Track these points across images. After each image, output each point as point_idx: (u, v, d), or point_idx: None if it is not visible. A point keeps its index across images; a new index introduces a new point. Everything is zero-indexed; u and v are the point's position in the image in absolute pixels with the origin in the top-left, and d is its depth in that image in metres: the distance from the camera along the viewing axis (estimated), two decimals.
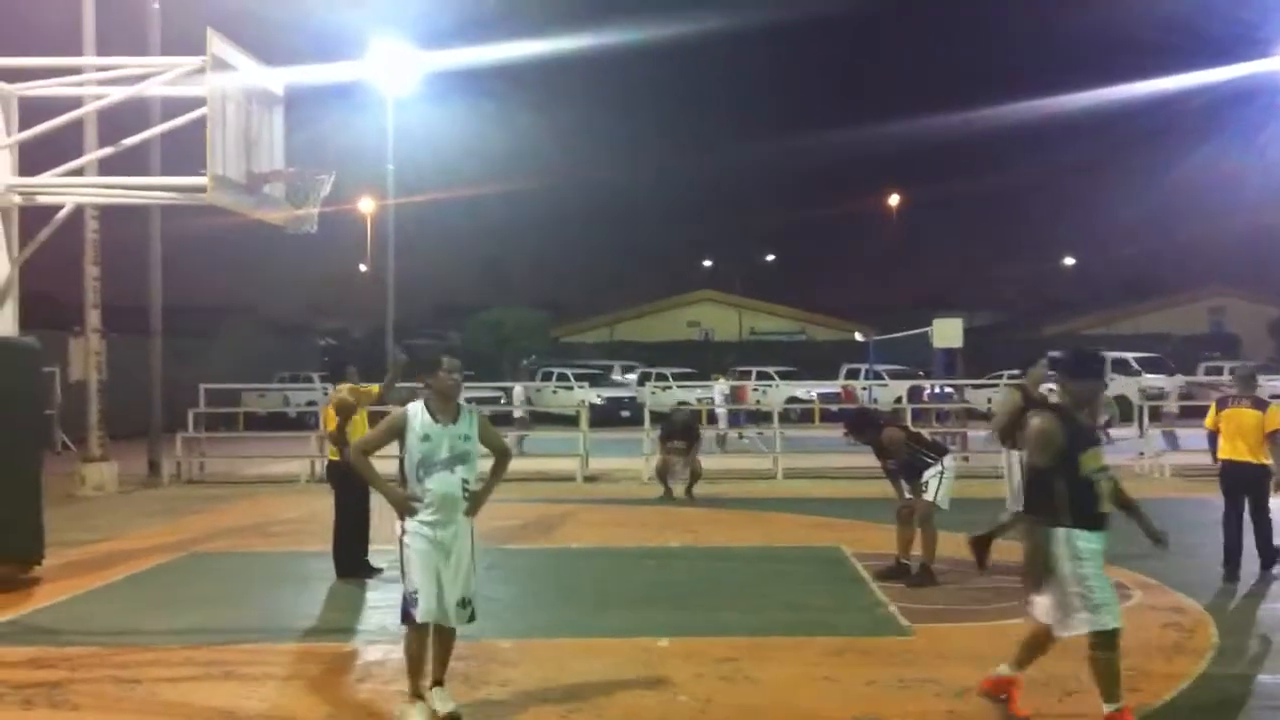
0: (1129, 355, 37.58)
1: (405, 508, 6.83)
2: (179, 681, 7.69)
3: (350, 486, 10.58)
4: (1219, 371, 33.91)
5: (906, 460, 10.82)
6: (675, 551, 12.93)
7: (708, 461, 19.03)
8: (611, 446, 22.61)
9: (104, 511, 16.73)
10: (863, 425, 11.38)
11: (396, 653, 8.37)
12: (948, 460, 10.88)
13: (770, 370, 40.18)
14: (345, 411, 10.99)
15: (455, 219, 65.69)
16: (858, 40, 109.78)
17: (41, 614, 9.86)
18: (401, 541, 6.88)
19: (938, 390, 26.37)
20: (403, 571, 6.88)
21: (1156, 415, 23.64)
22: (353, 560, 11.21)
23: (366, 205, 49.78)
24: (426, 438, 6.81)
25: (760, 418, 30.01)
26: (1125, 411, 26.73)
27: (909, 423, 16.72)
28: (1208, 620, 9.27)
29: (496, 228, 75.65)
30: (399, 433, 6.88)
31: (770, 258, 78.55)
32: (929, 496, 10.67)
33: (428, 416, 6.84)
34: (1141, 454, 21.08)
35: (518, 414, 26.66)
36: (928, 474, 10.69)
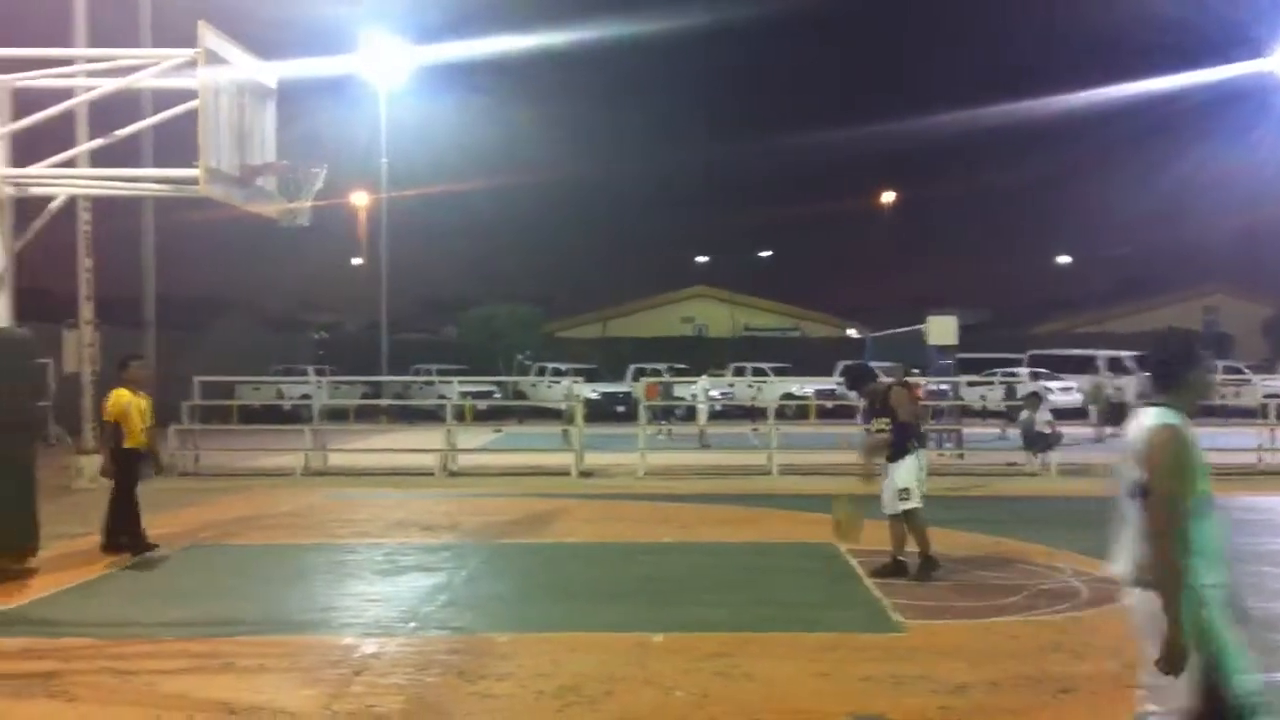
0: (1124, 354, 37.64)
1: None
2: (176, 673, 7.69)
3: None
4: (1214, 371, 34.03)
5: (901, 426, 10.69)
6: (669, 547, 12.93)
7: (696, 459, 19.03)
8: (607, 441, 22.63)
9: (98, 504, 16.65)
10: (862, 375, 11.38)
11: (392, 645, 8.39)
12: (921, 453, 10.94)
13: (765, 366, 40.19)
14: None
15: (447, 213, 65.58)
16: (853, 37, 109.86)
17: (37, 605, 9.84)
18: None
19: (933, 387, 26.37)
20: None
21: None
22: None
23: (360, 199, 49.76)
24: None
25: (756, 414, 30.03)
26: (1120, 412, 26.76)
27: None
28: None
29: (489, 222, 75.59)
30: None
31: (765, 254, 78.49)
32: (914, 501, 10.64)
33: None
34: None
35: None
36: (903, 473, 10.61)
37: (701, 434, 26.78)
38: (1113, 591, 9.95)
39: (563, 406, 25.96)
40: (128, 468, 12.11)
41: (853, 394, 11.55)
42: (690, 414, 29.43)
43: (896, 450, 10.73)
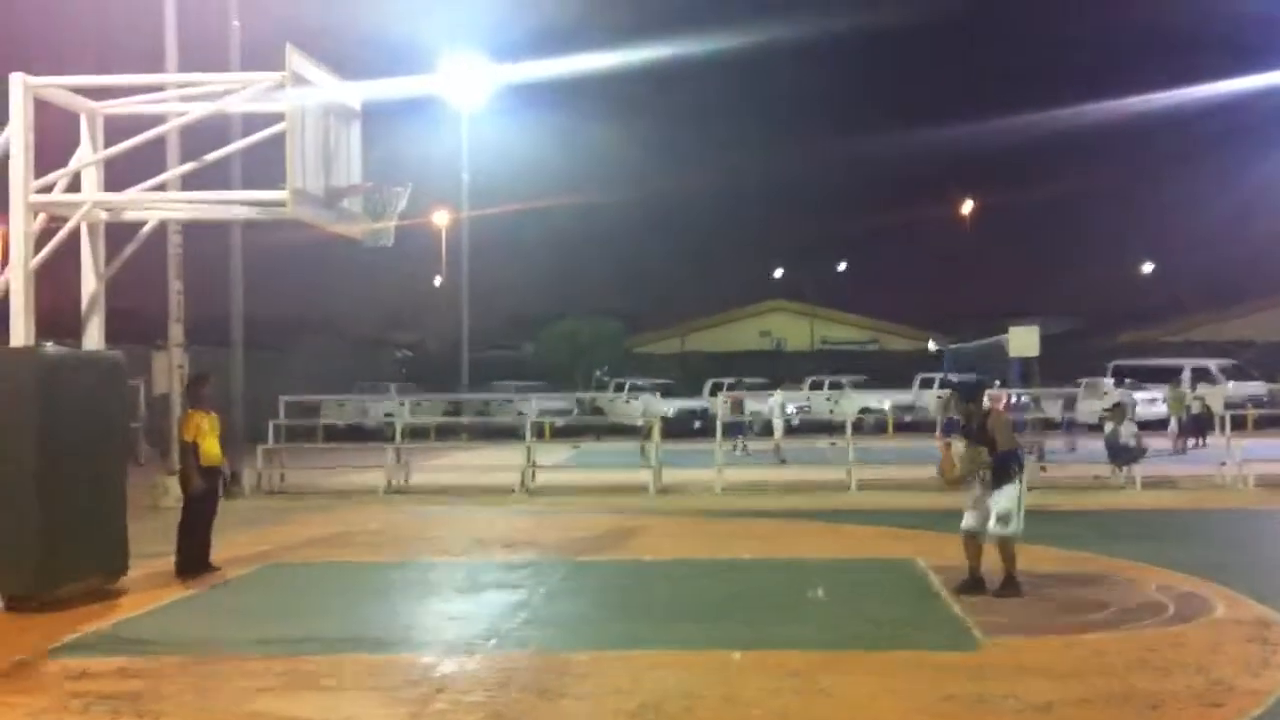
0: (1210, 362, 36.86)
1: None
2: (260, 692, 7.81)
3: None
4: None
5: (1002, 455, 10.37)
6: (749, 564, 12.90)
7: (774, 474, 18.92)
8: (684, 458, 22.63)
9: None
10: (975, 392, 11.00)
11: (472, 664, 8.46)
12: (1024, 477, 10.65)
13: (842, 380, 39.95)
14: None
15: (528, 230, 65.93)
16: (927, 47, 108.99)
17: (126, 625, 10.06)
18: None
19: (1015, 399, 26.04)
20: None
21: (1240, 424, 23.15)
22: None
23: (441, 218, 50.29)
24: None
25: (834, 428, 29.85)
26: (1210, 421, 26.24)
27: None
28: None
29: (569, 238, 75.81)
30: None
31: (842, 267, 77.97)
32: (1014, 530, 10.35)
33: None
34: (1223, 464, 20.62)
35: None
36: (1006, 499, 10.37)
37: (777, 449, 26.65)
38: (1199, 606, 9.80)
39: (639, 423, 26.00)
40: (206, 485, 12.33)
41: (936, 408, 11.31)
42: (766, 429, 29.28)
43: (999, 477, 10.40)
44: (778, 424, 27.80)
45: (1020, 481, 10.49)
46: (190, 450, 12.30)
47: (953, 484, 11.05)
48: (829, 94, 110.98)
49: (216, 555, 12.57)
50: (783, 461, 25.40)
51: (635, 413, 30.50)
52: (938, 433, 24.82)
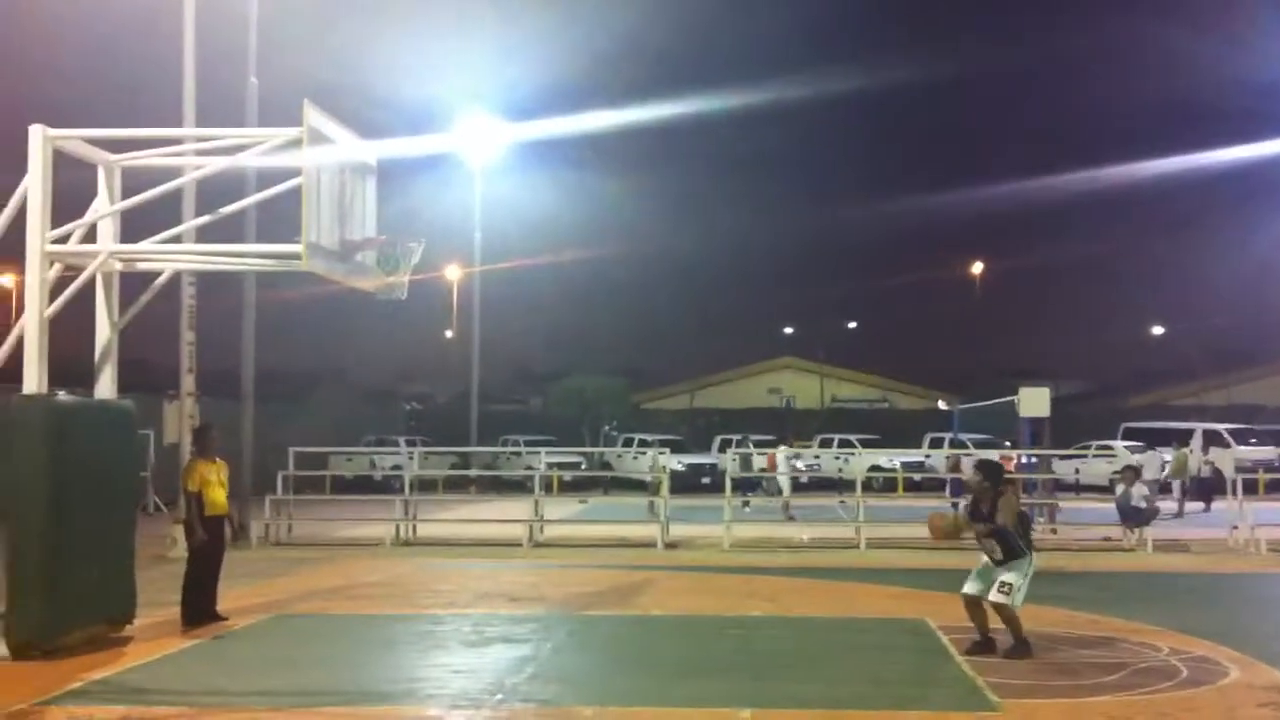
0: (1221, 427, 36.75)
1: None
2: None
3: None
4: None
5: (1001, 530, 10.35)
6: (757, 621, 12.82)
7: (783, 531, 18.82)
8: (692, 514, 22.56)
9: None
10: (997, 472, 11.00)
11: (478, 718, 8.40)
12: (1033, 556, 10.62)
13: (852, 438, 39.84)
14: None
15: (539, 285, 66.26)
16: (940, 106, 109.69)
17: (132, 673, 10.02)
18: None
19: (1025, 460, 25.95)
20: None
21: (1252, 488, 23.04)
22: None
23: (453, 272, 50.55)
24: None
25: (844, 486, 29.71)
26: (1219, 485, 26.10)
27: None
28: None
29: (578, 294, 76.13)
30: None
31: (852, 325, 78.06)
32: (1013, 601, 10.30)
33: None
34: (1235, 527, 20.50)
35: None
36: (1013, 573, 10.33)
37: (786, 505, 26.40)
38: (1213, 670, 9.72)
39: (648, 478, 25.89)
40: (211, 535, 12.28)
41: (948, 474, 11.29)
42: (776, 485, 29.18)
43: (1009, 554, 10.37)
44: (784, 481, 27.63)
45: (1030, 559, 10.47)
46: (193, 500, 12.27)
47: (944, 534, 11.07)
48: (843, 153, 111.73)
49: (223, 604, 12.54)
50: (791, 518, 25.27)
51: (643, 468, 30.40)
52: (948, 492, 24.79)
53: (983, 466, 11.15)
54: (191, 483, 12.29)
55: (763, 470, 29.02)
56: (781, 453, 28.79)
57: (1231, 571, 17.38)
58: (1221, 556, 19.15)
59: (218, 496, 12.39)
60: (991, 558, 10.51)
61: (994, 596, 10.35)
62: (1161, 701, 8.80)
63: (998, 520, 10.36)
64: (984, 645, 10.47)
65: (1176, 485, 27.74)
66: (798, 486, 28.86)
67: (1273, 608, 10.20)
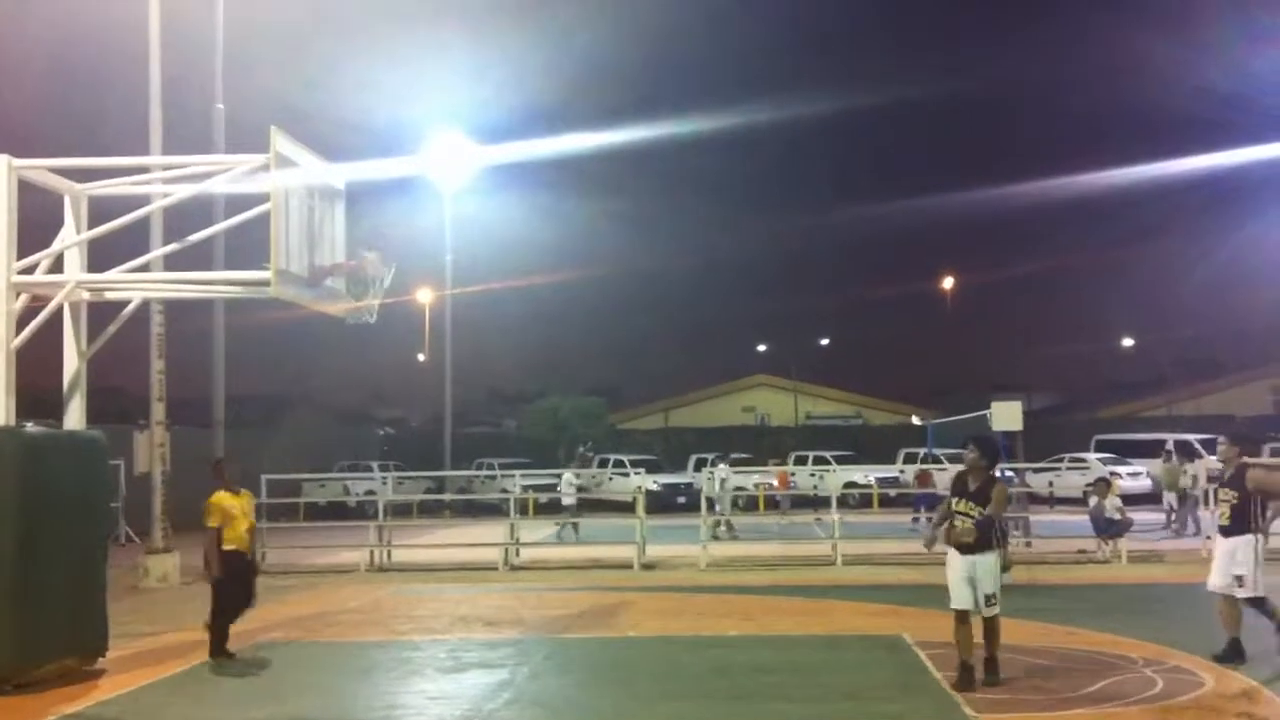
0: (1192, 437, 36.97)
1: None
2: None
3: None
4: None
5: (988, 519, 10.10)
6: (736, 640, 12.80)
7: (760, 550, 18.81)
8: (668, 533, 22.52)
9: (167, 603, 16.89)
10: (995, 451, 10.82)
11: None
12: (1002, 553, 10.56)
13: (827, 455, 39.92)
14: None
15: (511, 306, 66.35)
16: (909, 122, 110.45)
17: (106, 706, 9.92)
18: None
19: (1002, 474, 26.02)
20: None
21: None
22: None
23: (424, 295, 50.48)
24: None
25: (818, 503, 29.72)
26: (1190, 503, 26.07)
27: None
28: None
29: (551, 315, 76.27)
30: None
31: (825, 342, 78.33)
32: (999, 609, 10.14)
33: None
34: (1209, 538, 20.55)
35: (566, 501, 26.24)
36: (989, 577, 10.11)
37: (724, 524, 25.54)
38: (1187, 682, 9.75)
39: (625, 498, 25.77)
40: (231, 570, 11.80)
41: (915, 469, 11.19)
42: (751, 504, 29.08)
43: (982, 543, 10.15)
44: (725, 498, 27.35)
45: (1000, 553, 10.36)
46: (213, 537, 11.72)
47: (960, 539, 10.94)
48: (812, 171, 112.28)
49: (195, 636, 12.38)
50: (735, 538, 24.72)
51: (620, 489, 30.32)
52: (919, 507, 24.80)
53: (980, 443, 10.99)
54: (211, 519, 11.72)
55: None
56: (720, 470, 28.46)
57: (1206, 582, 17.38)
58: (1196, 567, 19.14)
59: (238, 529, 11.84)
60: (961, 539, 10.31)
61: (987, 612, 10.22)
62: (1137, 714, 8.83)
63: (988, 509, 10.22)
64: (970, 679, 10.18)
65: (1167, 498, 27.49)
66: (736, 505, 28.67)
67: (1247, 618, 10.31)
